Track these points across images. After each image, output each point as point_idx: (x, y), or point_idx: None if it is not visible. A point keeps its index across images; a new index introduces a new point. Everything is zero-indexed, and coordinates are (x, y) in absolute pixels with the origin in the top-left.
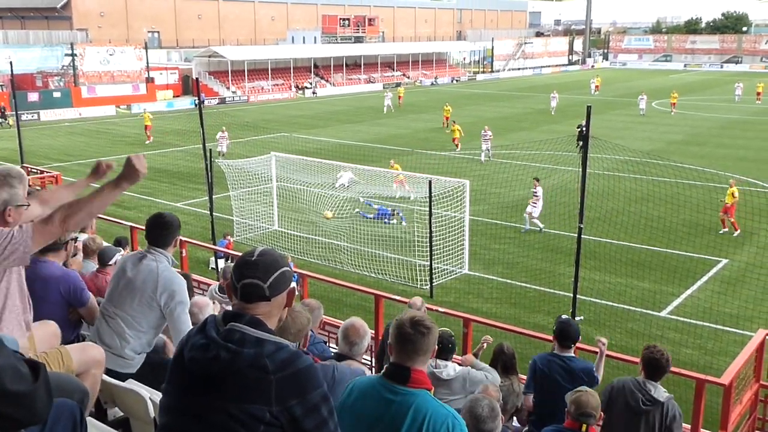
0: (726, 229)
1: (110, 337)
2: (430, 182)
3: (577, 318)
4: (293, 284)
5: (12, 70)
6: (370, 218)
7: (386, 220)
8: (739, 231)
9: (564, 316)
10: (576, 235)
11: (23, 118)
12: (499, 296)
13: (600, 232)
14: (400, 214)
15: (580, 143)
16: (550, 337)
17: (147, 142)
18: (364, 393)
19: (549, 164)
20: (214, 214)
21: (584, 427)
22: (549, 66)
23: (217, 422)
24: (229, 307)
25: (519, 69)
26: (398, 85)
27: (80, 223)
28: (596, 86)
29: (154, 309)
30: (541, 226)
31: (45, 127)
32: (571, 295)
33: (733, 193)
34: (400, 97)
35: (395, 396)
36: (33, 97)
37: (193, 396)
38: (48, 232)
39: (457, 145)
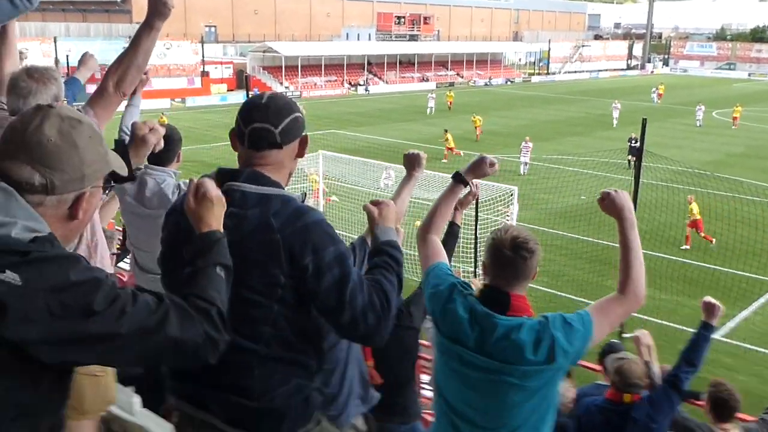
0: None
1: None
2: (477, 186)
3: (624, 335)
4: (306, 133)
5: (68, 62)
6: None
7: None
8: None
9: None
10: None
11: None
12: (543, 307)
13: (651, 245)
14: None
15: (631, 158)
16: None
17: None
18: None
19: (601, 171)
20: None
21: (627, 397)
22: (607, 70)
23: (234, 294)
24: None
25: (575, 72)
26: (451, 84)
27: (134, 81)
28: (659, 94)
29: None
30: None
31: None
32: None
33: (693, 209)
34: (450, 101)
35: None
36: (92, 89)
37: None
38: (108, 104)
39: (445, 156)
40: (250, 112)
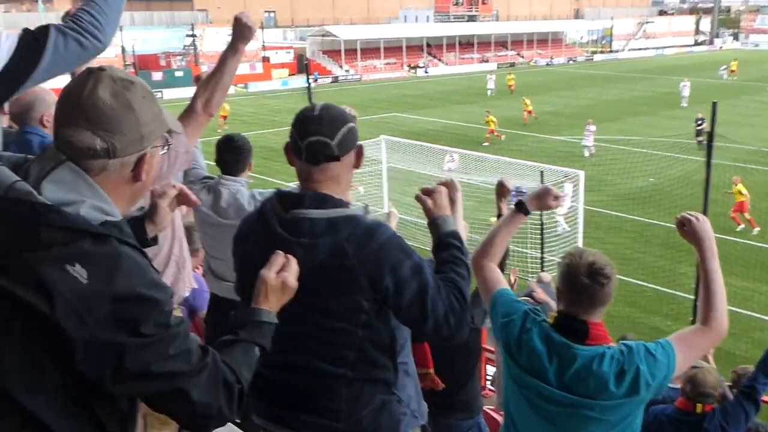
0: (742, 225)
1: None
2: (541, 173)
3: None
4: (360, 142)
5: (134, 51)
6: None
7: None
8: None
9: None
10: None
11: None
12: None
13: (725, 229)
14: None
15: (700, 140)
16: None
17: (219, 130)
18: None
19: (670, 152)
20: None
21: (699, 407)
22: (672, 47)
23: (315, 323)
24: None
25: (640, 49)
26: (512, 65)
27: (220, 102)
28: (731, 71)
29: None
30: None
31: (168, 106)
32: (692, 297)
33: (740, 191)
34: (510, 85)
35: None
36: (157, 76)
37: None
38: (197, 123)
39: (486, 138)
40: (305, 125)
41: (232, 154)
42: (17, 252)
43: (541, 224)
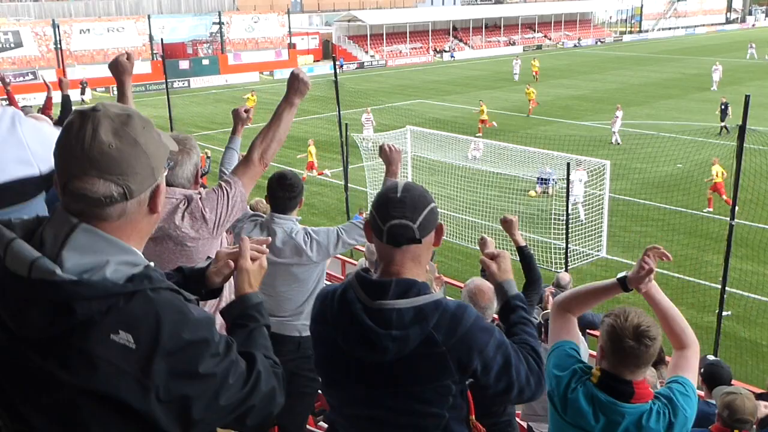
0: (711, 209)
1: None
2: (568, 164)
3: (724, 313)
4: (440, 221)
5: (162, 41)
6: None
7: (542, 183)
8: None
9: (712, 357)
10: (728, 219)
11: (175, 85)
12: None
13: (755, 216)
14: (554, 180)
15: (724, 126)
16: None
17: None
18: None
19: (699, 137)
20: (348, 185)
21: None
22: (704, 25)
23: (405, 409)
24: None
25: (670, 29)
26: (539, 47)
27: (274, 153)
28: None
29: (312, 268)
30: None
31: (194, 95)
32: (719, 287)
33: (718, 172)
34: (535, 71)
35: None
36: (184, 65)
37: (365, 387)
38: (253, 173)
39: (479, 129)
40: (387, 208)
41: (285, 192)
42: (58, 333)
43: (567, 215)
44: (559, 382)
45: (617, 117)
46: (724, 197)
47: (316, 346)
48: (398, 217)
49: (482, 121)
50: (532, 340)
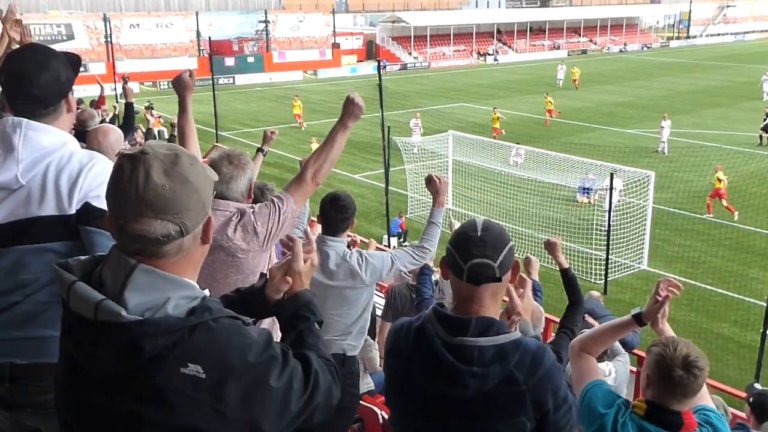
0: (711, 215)
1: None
2: (612, 174)
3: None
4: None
5: (210, 38)
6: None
7: (585, 192)
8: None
9: (759, 386)
10: None
11: (220, 82)
12: (679, 298)
13: None
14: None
15: (764, 133)
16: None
17: (302, 128)
18: None
19: (747, 148)
20: (389, 188)
21: None
22: (754, 32)
23: None
24: None
25: (719, 35)
26: (584, 52)
27: (327, 173)
28: None
29: (363, 291)
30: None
31: (239, 92)
32: (764, 304)
33: (719, 178)
34: (575, 80)
35: None
36: (230, 62)
37: (441, 422)
38: (305, 192)
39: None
40: (468, 246)
41: (337, 213)
42: (129, 371)
43: (608, 226)
44: (607, 419)
45: (663, 127)
46: (724, 203)
47: (390, 378)
48: (479, 256)
49: (495, 130)
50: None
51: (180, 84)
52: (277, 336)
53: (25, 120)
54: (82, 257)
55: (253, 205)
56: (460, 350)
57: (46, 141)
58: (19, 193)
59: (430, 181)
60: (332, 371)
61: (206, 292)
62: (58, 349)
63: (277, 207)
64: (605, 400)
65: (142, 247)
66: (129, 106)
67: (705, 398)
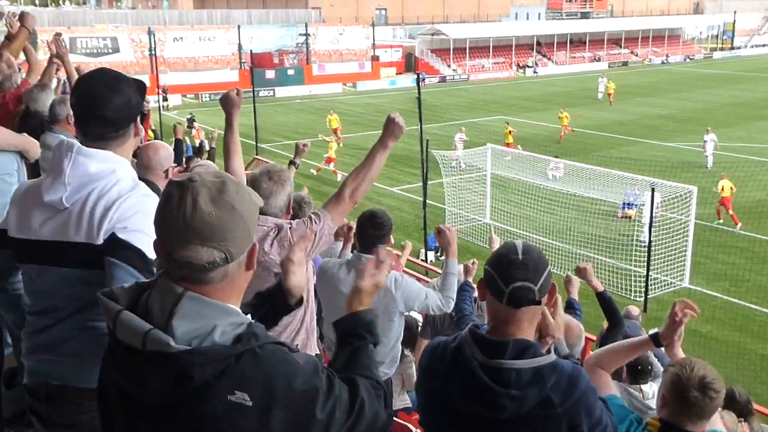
0: (720, 220)
1: None
2: (653, 189)
3: None
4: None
5: (251, 51)
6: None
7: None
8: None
9: None
10: None
11: (261, 94)
12: (721, 317)
13: None
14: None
15: None
16: None
17: (341, 144)
18: None
19: None
20: (426, 201)
21: None
22: None
23: None
24: None
25: (764, 45)
26: (625, 63)
27: (365, 192)
28: None
29: (394, 319)
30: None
31: (279, 104)
32: None
33: (724, 187)
34: (610, 94)
35: None
36: (270, 74)
37: None
38: (342, 210)
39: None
40: (510, 269)
41: (374, 230)
42: (177, 400)
43: (649, 242)
44: None
45: (706, 141)
46: (730, 212)
47: (425, 397)
48: (521, 279)
49: (507, 145)
50: (597, 393)
51: (227, 102)
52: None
53: (78, 145)
54: (126, 284)
55: (291, 221)
56: (498, 373)
57: (94, 168)
58: (62, 215)
59: (439, 233)
60: (381, 395)
61: (251, 319)
62: (101, 375)
63: (314, 223)
64: (617, 415)
65: (188, 273)
66: (199, 149)
67: (717, 423)
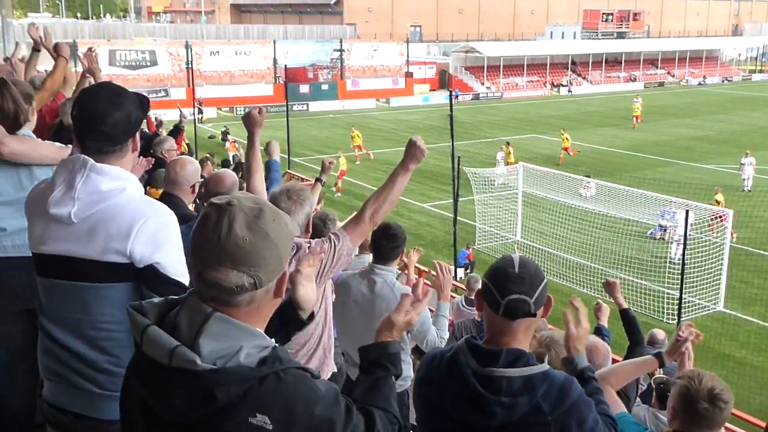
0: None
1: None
2: (687, 212)
3: None
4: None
5: (285, 66)
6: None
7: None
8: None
9: None
10: None
11: (295, 108)
12: (757, 342)
13: None
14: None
15: None
16: None
17: (366, 152)
18: None
19: None
20: (457, 218)
21: None
22: None
23: None
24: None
25: None
26: (661, 84)
27: (385, 214)
28: None
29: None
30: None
31: (312, 118)
32: None
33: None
34: (636, 116)
35: None
36: (304, 89)
37: None
38: (362, 232)
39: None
40: (506, 283)
41: (388, 241)
42: (200, 418)
43: (683, 264)
44: None
45: (744, 164)
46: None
47: (421, 405)
48: (517, 292)
49: (565, 149)
50: (608, 409)
51: (250, 120)
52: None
53: (92, 162)
54: (156, 299)
55: (310, 240)
56: (490, 380)
57: (105, 186)
58: (71, 230)
59: (437, 273)
60: (396, 430)
61: (276, 343)
62: (123, 387)
63: (333, 244)
64: (633, 429)
65: (217, 294)
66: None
67: None
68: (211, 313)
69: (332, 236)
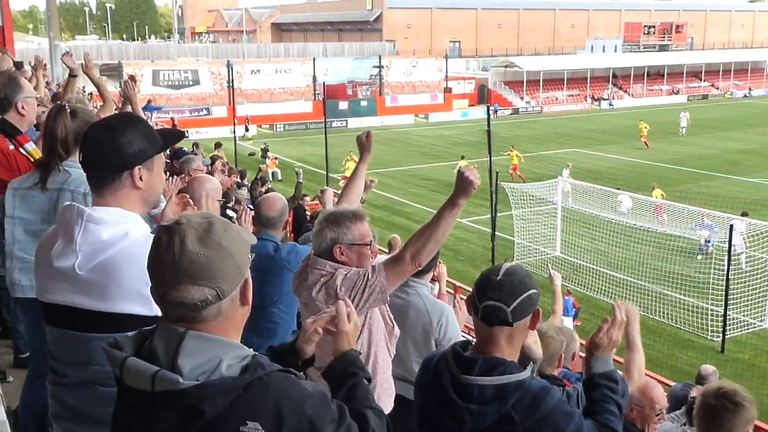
0: None
1: None
2: (731, 227)
3: None
4: (539, 306)
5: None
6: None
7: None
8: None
9: None
10: None
11: (334, 125)
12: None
13: None
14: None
15: None
16: None
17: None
18: None
19: None
20: (495, 233)
21: None
22: None
23: None
24: None
25: None
26: (705, 97)
27: (430, 254)
28: None
29: (430, 346)
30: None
31: (351, 135)
32: None
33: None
34: (643, 136)
35: None
36: (343, 105)
37: None
38: (401, 272)
39: (512, 176)
40: (484, 288)
41: None
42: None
43: (727, 280)
44: None
45: None
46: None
47: (415, 409)
48: (493, 299)
49: (514, 168)
50: (614, 420)
51: (359, 146)
52: None
53: (87, 212)
54: (130, 333)
55: (349, 267)
56: (463, 387)
57: (106, 234)
58: (77, 282)
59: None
60: (385, 422)
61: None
62: (113, 424)
63: (365, 278)
64: None
65: (183, 312)
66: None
67: None
68: (185, 332)
69: (369, 269)
